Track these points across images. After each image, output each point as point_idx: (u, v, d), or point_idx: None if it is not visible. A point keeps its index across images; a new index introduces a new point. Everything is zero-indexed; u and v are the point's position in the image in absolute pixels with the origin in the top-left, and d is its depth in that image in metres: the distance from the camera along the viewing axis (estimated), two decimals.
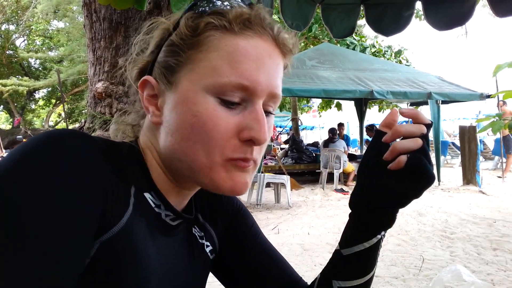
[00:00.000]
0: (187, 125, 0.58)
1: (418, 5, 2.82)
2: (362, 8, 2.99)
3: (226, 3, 0.62)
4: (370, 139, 12.93)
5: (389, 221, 0.67)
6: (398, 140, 0.62)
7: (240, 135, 0.59)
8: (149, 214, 0.62)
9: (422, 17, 2.69)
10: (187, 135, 0.59)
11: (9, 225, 0.43)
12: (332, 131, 10.02)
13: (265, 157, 10.20)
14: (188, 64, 0.60)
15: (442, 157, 11.29)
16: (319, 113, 17.92)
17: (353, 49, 12.97)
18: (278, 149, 10.67)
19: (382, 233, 0.69)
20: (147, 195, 0.63)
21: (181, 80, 0.60)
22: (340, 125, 11.74)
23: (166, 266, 0.64)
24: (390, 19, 2.83)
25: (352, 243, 0.70)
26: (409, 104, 12.94)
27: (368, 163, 0.67)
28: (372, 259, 0.71)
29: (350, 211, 0.71)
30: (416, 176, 0.60)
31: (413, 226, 5.55)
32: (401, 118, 0.68)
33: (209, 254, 0.78)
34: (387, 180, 0.63)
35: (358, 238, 0.69)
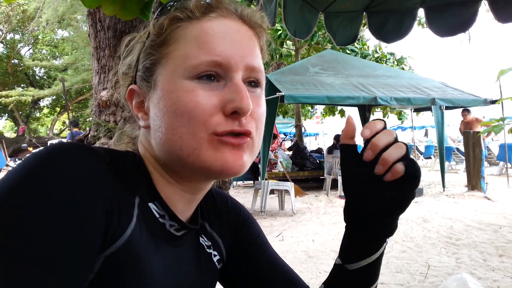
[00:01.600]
0: (170, 114, 0.59)
1: (421, 13, 2.83)
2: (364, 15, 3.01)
3: None
4: None
5: (393, 229, 0.67)
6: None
7: (224, 109, 0.58)
8: (153, 225, 0.62)
9: (425, 25, 2.70)
10: (171, 123, 0.59)
11: (10, 241, 0.43)
12: (337, 138, 10.03)
13: (269, 165, 10.19)
14: (162, 60, 0.63)
15: (446, 163, 11.23)
16: (322, 119, 17.92)
17: (355, 56, 13.01)
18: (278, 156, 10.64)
19: (387, 240, 0.69)
20: (151, 205, 0.63)
21: (158, 77, 0.62)
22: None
23: (173, 277, 0.64)
24: (392, 26, 2.84)
25: (358, 258, 0.69)
26: (412, 110, 12.94)
27: (352, 179, 0.67)
28: (378, 268, 0.71)
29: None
30: (414, 180, 0.61)
31: (418, 232, 5.51)
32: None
33: (216, 263, 0.78)
34: (384, 190, 0.62)
35: (364, 252, 0.69)
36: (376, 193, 0.63)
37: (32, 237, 0.44)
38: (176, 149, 0.60)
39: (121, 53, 0.70)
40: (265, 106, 0.66)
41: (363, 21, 3.06)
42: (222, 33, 0.61)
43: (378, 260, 0.69)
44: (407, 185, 0.61)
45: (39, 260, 0.43)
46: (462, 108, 10.29)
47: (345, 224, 0.73)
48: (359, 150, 0.64)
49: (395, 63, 14.90)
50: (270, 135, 8.51)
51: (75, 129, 11.59)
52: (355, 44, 13.85)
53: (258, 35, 0.67)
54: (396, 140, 0.62)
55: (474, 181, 8.95)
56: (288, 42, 13.95)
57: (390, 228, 0.67)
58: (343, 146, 0.66)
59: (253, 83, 0.64)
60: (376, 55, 14.27)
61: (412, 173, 0.60)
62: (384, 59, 14.43)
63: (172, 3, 0.65)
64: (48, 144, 0.65)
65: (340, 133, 10.78)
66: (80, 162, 0.52)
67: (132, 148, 0.72)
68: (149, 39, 0.64)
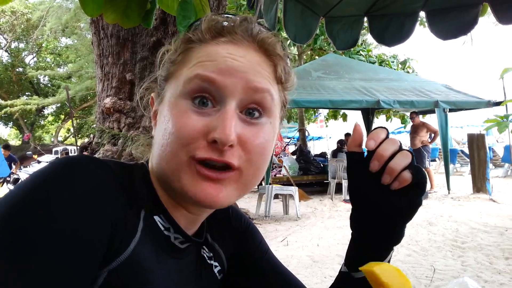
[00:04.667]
0: (163, 131, 0.59)
1: (422, 14, 2.84)
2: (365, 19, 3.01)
3: (219, 18, 0.64)
4: None
5: (400, 237, 0.67)
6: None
7: (207, 136, 0.57)
8: (158, 238, 0.62)
9: (426, 24, 2.71)
10: (163, 140, 0.59)
11: (15, 252, 0.44)
12: (341, 142, 10.02)
13: (272, 169, 10.18)
14: (171, 79, 0.64)
15: (451, 165, 11.19)
16: (326, 122, 17.91)
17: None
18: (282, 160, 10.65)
19: (393, 248, 0.69)
20: (156, 218, 0.63)
21: (165, 93, 0.64)
22: (348, 135, 11.74)
23: None
24: (394, 30, 2.85)
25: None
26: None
27: (358, 187, 0.66)
28: None
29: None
30: (420, 187, 0.61)
31: (424, 236, 5.49)
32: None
33: (217, 274, 0.78)
34: (391, 198, 0.62)
35: (370, 261, 0.67)
36: (383, 201, 0.63)
37: (36, 248, 0.44)
38: (164, 167, 0.60)
39: (157, 62, 0.70)
40: (271, 136, 0.63)
41: (364, 26, 3.07)
42: (224, 54, 0.60)
43: None
44: (414, 193, 0.61)
45: (44, 271, 0.44)
46: (411, 111, 10.20)
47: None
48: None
49: (399, 66, 14.91)
50: None
51: (9, 152, 12.09)
52: (361, 52, 13.91)
53: (273, 62, 0.64)
54: (400, 148, 0.62)
55: (479, 184, 8.90)
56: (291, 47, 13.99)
57: (397, 236, 0.66)
58: (350, 153, 0.65)
59: (255, 111, 0.61)
60: (379, 61, 14.30)
61: (419, 180, 0.60)
62: (388, 64, 14.45)
63: (197, 21, 0.66)
64: (60, 156, 0.66)
65: (343, 137, 10.81)
66: (89, 176, 0.52)
67: (146, 156, 0.73)
68: (168, 54, 0.67)
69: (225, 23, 0.62)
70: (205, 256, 0.76)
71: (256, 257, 0.83)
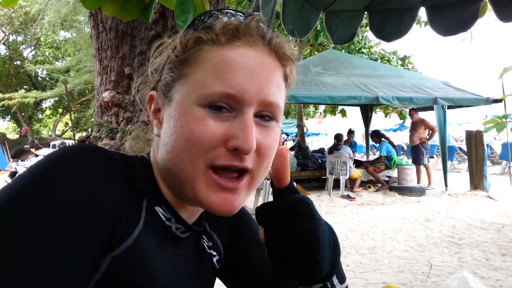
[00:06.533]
0: (177, 135, 0.59)
1: (421, 12, 2.83)
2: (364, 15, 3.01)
3: (223, 17, 0.64)
4: (376, 145, 12.90)
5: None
6: None
7: (227, 144, 0.58)
8: (160, 228, 0.64)
9: (423, 24, 2.70)
10: (176, 144, 0.59)
11: (13, 243, 0.44)
12: (337, 137, 9.99)
13: None
14: (181, 79, 0.62)
15: (449, 162, 11.22)
16: (323, 114, 17.88)
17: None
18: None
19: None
20: (158, 208, 0.64)
21: (174, 95, 0.63)
22: (350, 132, 11.73)
23: (176, 278, 0.65)
24: (393, 25, 2.84)
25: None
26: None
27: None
28: None
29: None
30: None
31: (421, 232, 5.51)
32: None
33: (215, 263, 0.79)
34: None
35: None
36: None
37: (34, 238, 0.45)
38: (176, 170, 0.60)
39: (150, 55, 0.70)
40: (277, 139, 0.65)
41: (363, 22, 3.07)
42: (242, 64, 0.59)
43: None
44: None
45: (39, 266, 0.44)
46: (410, 108, 10.21)
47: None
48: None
49: (399, 62, 14.88)
50: None
51: None
52: (363, 50, 13.88)
53: (284, 65, 0.65)
54: None
55: (477, 180, 8.93)
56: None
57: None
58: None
59: (267, 117, 0.62)
60: (380, 57, 14.28)
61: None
62: (389, 61, 14.42)
63: (202, 18, 0.65)
64: (62, 146, 0.66)
65: (341, 132, 10.79)
66: (86, 167, 0.53)
67: (147, 149, 0.74)
68: (174, 53, 0.65)
69: (238, 25, 0.62)
70: (205, 245, 0.78)
71: (253, 247, 0.84)
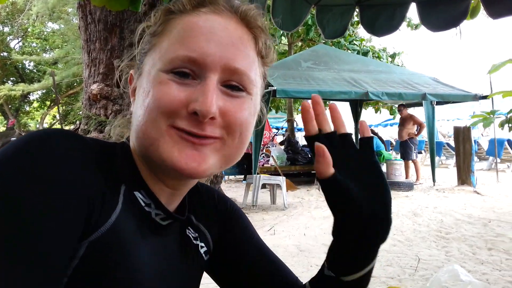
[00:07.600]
0: (141, 102, 0.60)
1: (409, 14, 2.84)
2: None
3: None
4: None
5: (386, 234, 0.65)
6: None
7: (188, 107, 0.57)
8: (139, 213, 0.62)
9: (414, 26, 2.72)
10: (141, 111, 0.59)
11: None
12: None
13: (260, 159, 10.18)
14: (151, 51, 0.63)
15: (436, 158, 11.33)
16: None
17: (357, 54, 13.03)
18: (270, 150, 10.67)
19: None
20: (137, 194, 0.63)
21: (145, 66, 0.63)
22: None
23: (158, 265, 0.64)
24: (384, 20, 2.84)
25: (355, 269, 0.66)
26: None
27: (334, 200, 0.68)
28: (372, 272, 0.69)
29: None
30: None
31: (409, 226, 5.56)
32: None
33: (203, 255, 0.78)
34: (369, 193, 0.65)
35: (361, 263, 0.66)
36: (361, 207, 0.62)
37: (8, 222, 0.43)
38: (142, 138, 0.60)
39: (134, 41, 0.69)
40: (253, 113, 0.64)
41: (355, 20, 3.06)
42: (205, 28, 0.59)
43: (373, 266, 0.68)
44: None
45: (18, 245, 0.43)
46: (399, 104, 10.31)
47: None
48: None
49: (389, 59, 14.96)
50: (261, 130, 8.50)
51: None
52: (355, 42, 13.90)
53: (254, 35, 0.64)
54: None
55: (464, 176, 9.04)
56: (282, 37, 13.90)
57: (383, 234, 0.64)
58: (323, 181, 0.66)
59: (235, 87, 0.61)
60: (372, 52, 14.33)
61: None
62: (380, 57, 14.47)
63: None
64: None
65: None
66: (66, 147, 0.52)
67: (127, 134, 0.72)
68: (150, 29, 0.66)
69: None
70: (191, 236, 0.76)
71: (243, 241, 0.83)
